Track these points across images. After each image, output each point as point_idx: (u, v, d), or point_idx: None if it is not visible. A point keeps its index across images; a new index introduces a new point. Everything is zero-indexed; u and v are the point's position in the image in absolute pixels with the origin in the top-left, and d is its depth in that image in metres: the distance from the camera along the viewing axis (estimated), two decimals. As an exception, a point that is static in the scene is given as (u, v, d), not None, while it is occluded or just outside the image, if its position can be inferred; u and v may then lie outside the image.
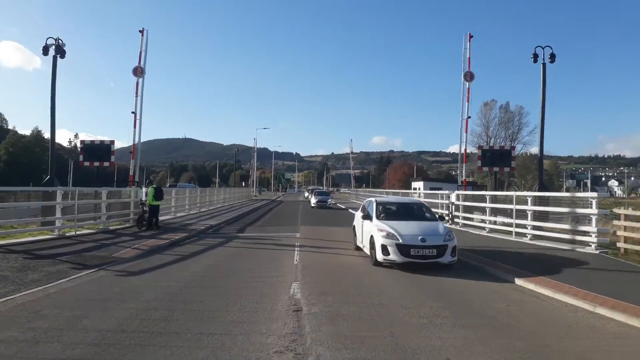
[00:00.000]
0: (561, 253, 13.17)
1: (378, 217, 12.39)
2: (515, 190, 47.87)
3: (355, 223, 14.63)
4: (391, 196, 33.64)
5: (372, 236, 11.77)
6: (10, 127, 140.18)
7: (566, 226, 14.59)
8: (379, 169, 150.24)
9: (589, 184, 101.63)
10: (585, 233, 13.70)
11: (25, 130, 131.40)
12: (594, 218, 13.35)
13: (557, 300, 8.17)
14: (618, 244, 13.16)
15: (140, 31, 23.94)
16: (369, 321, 6.78)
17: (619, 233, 13.28)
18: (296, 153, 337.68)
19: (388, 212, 12.85)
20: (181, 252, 13.65)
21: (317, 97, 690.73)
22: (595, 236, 13.26)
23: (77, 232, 15.91)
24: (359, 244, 13.84)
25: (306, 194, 68.56)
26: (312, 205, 42.07)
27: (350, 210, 34.72)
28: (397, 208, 13.42)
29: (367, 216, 12.93)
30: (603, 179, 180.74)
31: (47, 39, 20.08)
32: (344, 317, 6.97)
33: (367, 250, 12.45)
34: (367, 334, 6.17)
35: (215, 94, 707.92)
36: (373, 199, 14.02)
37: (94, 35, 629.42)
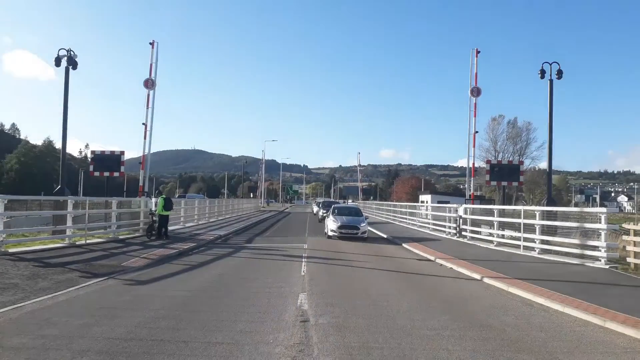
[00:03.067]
0: (570, 267, 13.08)
1: None
2: (524, 205, 47.64)
3: None
4: None
5: None
6: (22, 136, 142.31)
7: (575, 241, 14.50)
8: (386, 182, 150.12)
9: (598, 199, 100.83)
10: (595, 248, 13.59)
11: (37, 140, 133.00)
12: (603, 233, 13.24)
13: (566, 315, 8.10)
14: (628, 259, 13.01)
15: (150, 43, 24.27)
16: (376, 332, 6.77)
17: (628, 248, 13.14)
18: (304, 165, 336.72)
19: None
20: (190, 262, 13.71)
21: (326, 109, 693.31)
22: (605, 251, 13.15)
23: (88, 241, 16.03)
24: None
25: (315, 209, 48.60)
26: (331, 233, 22.26)
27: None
28: None
29: None
30: (612, 194, 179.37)
31: (59, 50, 20.37)
32: (351, 328, 6.97)
33: None
34: (374, 345, 6.17)
35: (224, 106, 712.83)
36: None
37: (107, 46, 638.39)
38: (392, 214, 40.63)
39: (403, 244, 19.81)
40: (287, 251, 16.95)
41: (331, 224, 22.48)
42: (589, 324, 7.49)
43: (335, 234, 21.86)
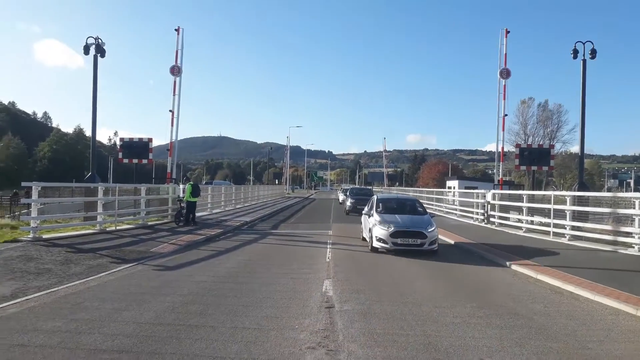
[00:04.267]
0: (601, 254, 12.79)
1: None
2: (554, 190, 46.76)
3: None
4: None
5: None
6: (54, 125, 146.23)
7: (607, 227, 14.13)
8: (412, 168, 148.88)
9: (632, 184, 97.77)
10: (628, 234, 13.23)
11: (68, 128, 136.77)
12: (637, 219, 12.86)
13: (597, 303, 7.91)
14: (663, 246, 12.64)
15: (175, 30, 24.49)
16: (402, 319, 6.75)
17: (664, 234, 12.76)
18: (329, 151, 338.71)
19: None
20: (216, 248, 13.91)
21: (351, 95, 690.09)
22: (639, 237, 12.78)
23: (117, 227, 16.39)
24: None
25: (341, 197, 42.26)
26: (379, 244, 13.39)
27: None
28: None
29: None
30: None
31: (87, 38, 20.73)
32: (376, 314, 6.96)
33: None
34: (399, 332, 6.15)
35: (250, 93, 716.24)
36: None
37: (134, 32, 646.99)
38: (418, 199, 40.23)
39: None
40: (312, 237, 17.03)
41: (378, 230, 13.37)
42: (620, 313, 7.31)
43: (387, 245, 13.08)
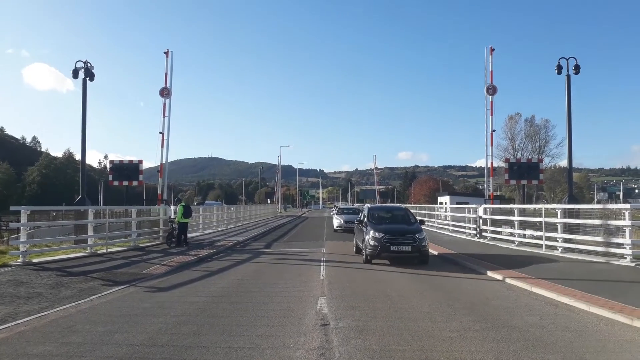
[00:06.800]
0: (594, 266, 12.84)
1: None
2: (545, 203, 47.00)
3: None
4: None
5: None
6: (43, 149, 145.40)
7: (599, 238, 14.21)
8: (404, 184, 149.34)
9: (621, 196, 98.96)
10: (619, 245, 13.32)
11: (57, 152, 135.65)
12: (627, 230, 12.97)
13: (592, 314, 7.92)
14: (655, 256, 12.73)
15: (165, 52, 24.57)
16: (398, 334, 6.70)
17: (655, 245, 12.86)
18: (320, 169, 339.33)
19: None
20: (209, 268, 13.78)
21: (341, 114, 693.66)
22: (630, 248, 12.86)
23: (109, 250, 16.21)
24: None
25: (336, 221, 31.03)
26: None
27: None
28: None
29: None
30: (636, 191, 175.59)
31: (77, 62, 20.70)
32: (372, 330, 6.91)
33: None
34: (396, 347, 6.11)
35: (240, 113, 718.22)
36: None
37: (123, 54, 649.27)
38: (410, 216, 40.21)
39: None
40: (305, 255, 16.94)
41: None
42: (615, 323, 7.31)
43: None
